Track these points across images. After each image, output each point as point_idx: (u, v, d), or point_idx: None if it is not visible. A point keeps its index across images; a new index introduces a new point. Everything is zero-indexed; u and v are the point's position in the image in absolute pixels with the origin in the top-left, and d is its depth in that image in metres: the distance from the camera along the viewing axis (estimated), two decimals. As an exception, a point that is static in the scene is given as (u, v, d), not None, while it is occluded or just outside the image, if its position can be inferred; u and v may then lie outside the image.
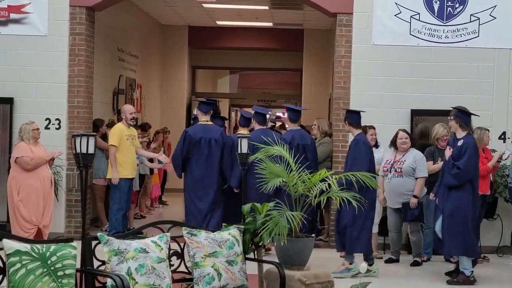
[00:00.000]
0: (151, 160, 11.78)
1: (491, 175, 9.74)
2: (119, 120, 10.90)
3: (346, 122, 8.75)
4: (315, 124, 10.68)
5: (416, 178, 9.32)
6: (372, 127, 9.83)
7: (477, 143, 9.62)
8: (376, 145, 9.86)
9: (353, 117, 8.68)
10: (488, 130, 9.80)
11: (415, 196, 9.27)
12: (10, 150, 10.17)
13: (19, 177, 9.31)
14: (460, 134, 8.45)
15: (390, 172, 9.36)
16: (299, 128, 9.91)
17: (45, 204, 9.41)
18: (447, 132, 9.77)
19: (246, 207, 6.13)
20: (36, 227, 9.34)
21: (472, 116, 8.51)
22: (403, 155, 9.42)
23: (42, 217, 9.38)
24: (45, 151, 9.57)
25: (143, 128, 13.34)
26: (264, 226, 5.82)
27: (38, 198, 9.32)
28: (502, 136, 10.40)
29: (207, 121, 9.99)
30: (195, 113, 10.74)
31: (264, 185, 6.39)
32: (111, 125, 11.43)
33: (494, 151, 9.85)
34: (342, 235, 8.44)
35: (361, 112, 8.74)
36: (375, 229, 9.83)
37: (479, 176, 9.43)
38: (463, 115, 8.45)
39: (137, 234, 5.67)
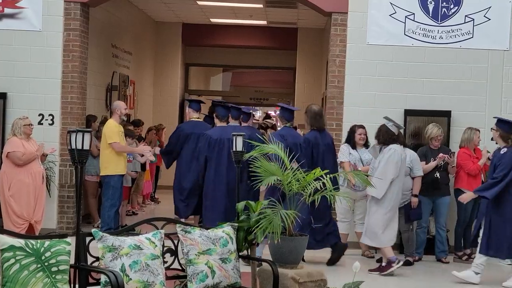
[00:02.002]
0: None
1: (482, 175, 9.78)
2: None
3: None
4: None
5: (413, 178, 9.35)
6: (362, 126, 9.85)
7: (467, 143, 9.72)
8: (366, 145, 9.87)
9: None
10: (479, 130, 9.86)
11: (415, 195, 9.30)
12: (2, 145, 10.15)
13: (10, 172, 9.30)
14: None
15: None
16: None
17: (37, 199, 9.40)
18: (441, 132, 9.83)
19: (240, 205, 6.13)
20: (28, 223, 9.33)
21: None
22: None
23: (34, 212, 9.37)
24: (37, 146, 9.55)
25: (136, 124, 13.32)
26: (258, 224, 5.83)
27: (29, 194, 9.31)
28: (495, 137, 10.43)
29: (198, 118, 10.87)
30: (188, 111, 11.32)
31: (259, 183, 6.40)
32: (104, 122, 11.41)
33: (488, 152, 9.88)
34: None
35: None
36: (364, 228, 9.88)
37: (472, 175, 9.54)
38: (284, 112, 9.18)
39: (130, 230, 5.66)
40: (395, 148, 8.77)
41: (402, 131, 9.14)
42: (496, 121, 8.70)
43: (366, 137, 9.88)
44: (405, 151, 9.04)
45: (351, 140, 9.83)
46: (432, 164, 9.65)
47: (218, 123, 10.11)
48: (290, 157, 6.67)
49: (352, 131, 9.86)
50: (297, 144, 8.69)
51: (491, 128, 8.87)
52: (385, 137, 8.82)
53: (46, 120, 10.48)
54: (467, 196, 8.82)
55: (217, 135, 9.65)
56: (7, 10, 10.50)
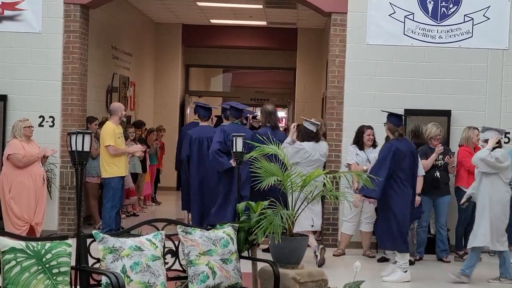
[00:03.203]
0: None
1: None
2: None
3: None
4: None
5: None
6: (370, 127, 9.87)
7: (466, 141, 9.73)
8: (374, 145, 9.89)
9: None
10: (477, 129, 9.85)
11: (418, 195, 9.29)
12: (3, 147, 10.16)
13: (10, 174, 9.30)
14: None
15: None
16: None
17: (37, 201, 9.40)
18: (440, 132, 9.84)
19: (241, 206, 6.14)
20: (28, 224, 9.34)
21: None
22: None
23: (34, 214, 9.37)
24: (38, 148, 9.56)
25: (138, 126, 13.32)
26: (259, 224, 5.83)
27: (29, 196, 9.32)
28: (495, 137, 10.42)
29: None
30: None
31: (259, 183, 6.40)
32: (103, 123, 11.41)
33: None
34: None
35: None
36: (369, 228, 9.90)
37: (472, 173, 9.55)
38: (232, 110, 9.84)
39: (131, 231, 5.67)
40: (303, 145, 9.12)
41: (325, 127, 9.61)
42: (387, 114, 8.83)
43: (374, 137, 9.90)
44: (326, 146, 9.51)
45: (359, 141, 9.85)
46: (433, 156, 9.66)
47: (200, 122, 10.47)
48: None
49: (360, 131, 9.87)
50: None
51: (384, 123, 8.96)
52: (304, 136, 9.24)
53: (46, 122, 10.49)
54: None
55: (197, 134, 10.12)
56: (7, 12, 10.51)
